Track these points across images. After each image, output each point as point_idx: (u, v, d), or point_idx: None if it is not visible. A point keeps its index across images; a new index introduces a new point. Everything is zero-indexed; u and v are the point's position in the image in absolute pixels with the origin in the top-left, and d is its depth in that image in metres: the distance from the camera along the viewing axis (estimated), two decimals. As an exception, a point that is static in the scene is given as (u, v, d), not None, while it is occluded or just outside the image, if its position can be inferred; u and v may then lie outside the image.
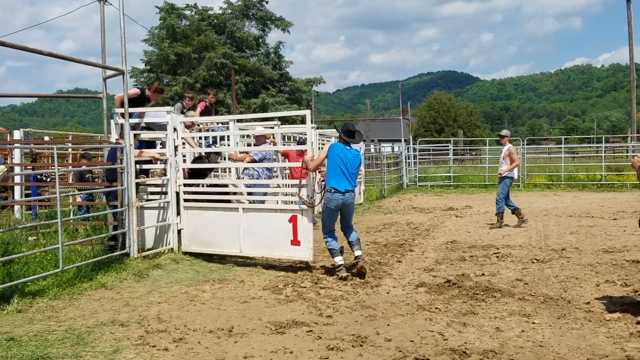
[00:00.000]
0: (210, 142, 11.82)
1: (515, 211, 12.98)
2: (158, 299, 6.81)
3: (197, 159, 9.86)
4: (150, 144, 10.13)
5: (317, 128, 17.38)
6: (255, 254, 8.78)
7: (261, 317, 6.00)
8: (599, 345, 4.90)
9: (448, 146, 27.91)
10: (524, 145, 25.49)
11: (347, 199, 7.99)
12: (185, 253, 9.10)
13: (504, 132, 13.72)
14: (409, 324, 5.66)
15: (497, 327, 5.46)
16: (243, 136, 12.16)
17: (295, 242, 8.32)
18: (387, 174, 23.97)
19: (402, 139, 29.02)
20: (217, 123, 12.84)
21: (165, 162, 9.19)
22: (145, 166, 9.39)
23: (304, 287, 7.24)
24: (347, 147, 8.04)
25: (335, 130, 19.71)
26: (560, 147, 29.95)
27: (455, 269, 8.24)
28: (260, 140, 10.80)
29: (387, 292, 7.01)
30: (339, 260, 7.88)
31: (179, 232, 9.24)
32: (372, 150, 35.51)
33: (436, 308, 6.20)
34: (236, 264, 8.79)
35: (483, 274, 7.87)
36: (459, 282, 7.29)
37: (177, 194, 9.22)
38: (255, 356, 4.80)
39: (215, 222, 8.95)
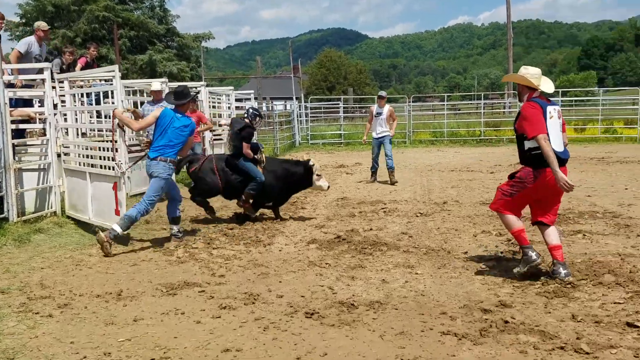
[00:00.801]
0: (93, 100, 11.31)
1: (374, 170, 13.48)
2: (41, 264, 6.59)
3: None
4: (29, 103, 9.61)
5: (208, 85, 17.08)
6: (97, 222, 8.20)
7: (151, 279, 5.96)
8: (475, 292, 5.28)
9: (339, 104, 28.31)
10: (410, 102, 26.30)
11: (148, 167, 7.40)
12: (70, 217, 8.79)
13: (383, 93, 14.03)
14: (300, 280, 5.83)
15: (383, 279, 5.73)
16: (129, 93, 11.74)
17: (116, 211, 7.70)
18: (280, 133, 24.04)
19: (294, 97, 29.10)
20: (100, 80, 12.28)
21: (44, 121, 8.74)
22: (22, 126, 8.88)
23: (196, 248, 7.23)
24: (179, 115, 7.42)
25: (225, 88, 19.39)
26: (444, 104, 31.12)
27: (345, 225, 8.50)
28: (158, 96, 10.50)
29: (280, 250, 7.15)
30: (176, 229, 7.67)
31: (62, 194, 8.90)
32: (264, 108, 35.36)
33: (326, 263, 6.40)
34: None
35: (371, 229, 8.18)
36: (349, 238, 7.55)
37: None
38: (145, 318, 4.79)
39: (78, 186, 8.63)
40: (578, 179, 13.03)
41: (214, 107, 16.30)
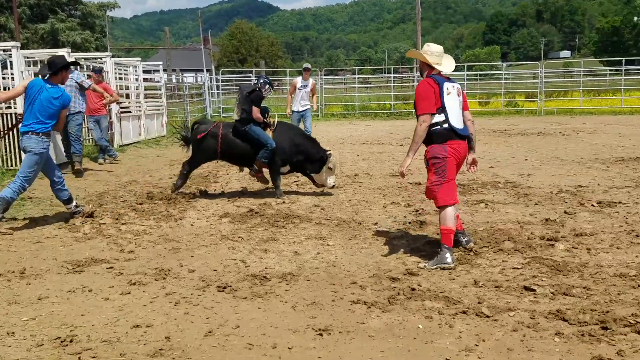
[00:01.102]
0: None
1: None
2: (-64, 246, 6.22)
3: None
4: None
5: (114, 56, 16.48)
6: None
7: (57, 256, 5.76)
8: (384, 262, 5.43)
9: (251, 77, 28.03)
10: (322, 76, 26.40)
11: (21, 142, 6.99)
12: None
13: (308, 65, 13.97)
14: (213, 254, 5.79)
15: (296, 251, 5.79)
16: (29, 64, 11.16)
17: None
18: (191, 105, 23.57)
19: (205, 69, 28.56)
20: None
21: None
22: None
23: (104, 224, 7.03)
24: (49, 85, 6.87)
25: (132, 59, 18.74)
26: (355, 78, 31.45)
27: (258, 199, 8.49)
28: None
29: (191, 224, 7.06)
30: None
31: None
32: (174, 80, 34.51)
33: (239, 237, 6.39)
34: (31, 201, 8.22)
35: (284, 202, 8.22)
36: (261, 211, 7.55)
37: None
38: (50, 297, 4.63)
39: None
40: (482, 151, 13.57)
41: (120, 78, 15.77)
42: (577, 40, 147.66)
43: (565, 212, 7.09)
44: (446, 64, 5.58)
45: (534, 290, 4.51)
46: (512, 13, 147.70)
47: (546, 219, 6.77)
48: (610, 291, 4.41)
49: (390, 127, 20.94)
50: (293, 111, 13.28)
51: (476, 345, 3.57)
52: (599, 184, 8.85)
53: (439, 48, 5.59)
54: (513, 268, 5.11)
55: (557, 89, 28.94)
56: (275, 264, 5.39)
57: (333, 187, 8.82)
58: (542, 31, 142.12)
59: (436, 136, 5.37)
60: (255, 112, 8.49)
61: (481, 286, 4.67)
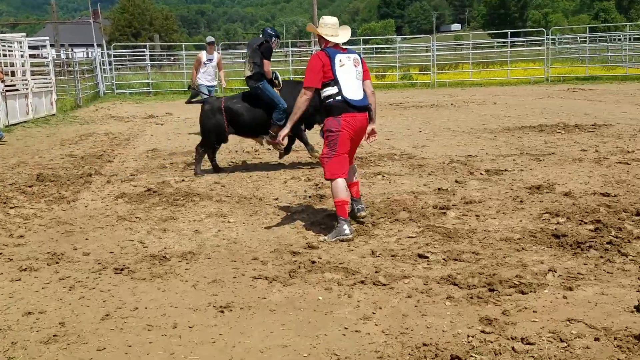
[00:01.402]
0: None
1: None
2: None
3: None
4: None
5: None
6: None
7: (-61, 246, 5.42)
8: (285, 236, 5.48)
9: (145, 52, 27.16)
10: (219, 50, 25.95)
11: None
12: None
13: (212, 38, 13.63)
14: (109, 236, 5.64)
15: (196, 230, 5.74)
16: None
17: None
18: (82, 82, 22.56)
19: (95, 44, 27.37)
20: None
21: None
22: None
23: (-10, 210, 6.66)
24: None
25: (17, 35, 17.69)
26: (254, 52, 31.14)
27: (156, 177, 8.32)
28: None
29: (85, 206, 6.82)
30: None
31: None
32: (63, 56, 32.86)
33: (137, 217, 6.25)
34: None
35: (183, 180, 8.09)
36: (160, 190, 7.40)
37: None
38: None
39: None
40: (379, 124, 13.87)
41: (4, 55, 14.88)
42: (466, 13, 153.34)
43: (456, 182, 7.41)
44: (341, 35, 5.61)
45: (427, 257, 4.70)
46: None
47: (439, 189, 7.05)
48: (496, 255, 4.68)
49: (289, 101, 20.99)
50: (202, 85, 12.86)
51: (373, 313, 3.70)
52: (487, 153, 9.30)
53: (332, 20, 5.62)
54: (408, 237, 5.30)
55: (448, 62, 29.96)
56: (174, 244, 5.32)
57: None
58: (434, 4, 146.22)
59: (330, 109, 5.40)
60: (267, 65, 8.20)
61: (378, 256, 4.82)
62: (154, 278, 4.46)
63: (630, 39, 30.31)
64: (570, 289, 3.90)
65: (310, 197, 6.96)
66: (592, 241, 4.77)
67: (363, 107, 5.46)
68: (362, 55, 5.85)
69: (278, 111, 8.28)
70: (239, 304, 3.90)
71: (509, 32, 28.92)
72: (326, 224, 5.76)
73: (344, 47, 5.66)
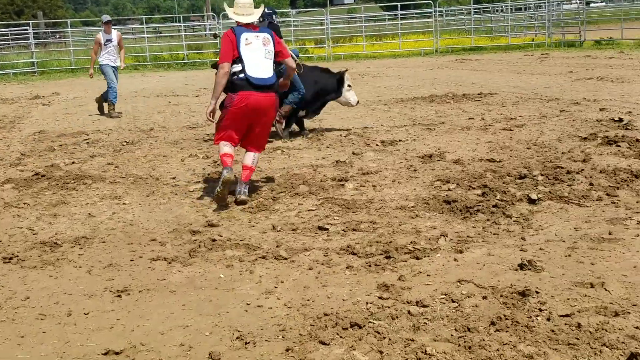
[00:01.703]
0: None
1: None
2: None
3: None
4: None
5: None
6: None
7: None
8: (184, 215, 5.40)
9: (27, 29, 25.65)
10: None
11: None
12: None
13: (107, 17, 13.02)
14: (-5, 225, 5.34)
15: (89, 213, 5.54)
16: None
17: None
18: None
19: (-30, 20, 25.49)
20: None
21: None
22: None
23: None
24: None
25: None
26: (144, 27, 30.13)
27: (44, 161, 7.94)
28: None
29: (-34, 195, 6.41)
30: None
31: None
32: None
33: (25, 203, 5.94)
34: None
35: (73, 162, 7.76)
36: (48, 174, 7.06)
37: None
38: None
39: None
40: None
41: None
42: None
43: (354, 153, 7.55)
44: (251, 15, 5.72)
45: (327, 229, 4.79)
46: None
47: (337, 161, 7.17)
48: (392, 223, 4.84)
49: (185, 77, 20.50)
50: (107, 65, 12.28)
51: (275, 287, 3.74)
52: (382, 125, 9.52)
53: (245, 0, 5.69)
54: (308, 210, 5.37)
55: (342, 35, 30.32)
56: (66, 229, 5.12)
57: (357, 102, 9.25)
58: None
59: (232, 85, 5.56)
60: (284, 46, 7.94)
61: (279, 230, 4.86)
62: (45, 265, 4.27)
63: (511, 9, 31.76)
64: (461, 251, 4.10)
65: (209, 174, 6.88)
66: (480, 205, 5.02)
67: (265, 87, 5.55)
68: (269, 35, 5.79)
69: (295, 94, 8.40)
70: (137, 287, 3.82)
71: (399, 5, 29.55)
72: (226, 201, 5.72)
73: (256, 25, 5.81)
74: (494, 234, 4.43)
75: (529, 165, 6.27)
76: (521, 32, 30.60)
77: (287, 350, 2.92)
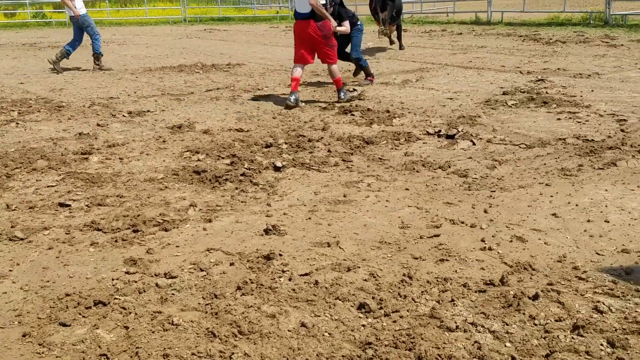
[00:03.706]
0: None
1: None
2: None
3: None
4: None
5: None
6: None
7: None
8: None
9: None
10: None
11: None
12: None
13: None
14: None
15: None
16: None
17: None
18: None
19: None
20: None
21: None
22: None
23: None
24: None
25: None
26: None
27: None
28: None
29: None
30: None
31: None
32: None
33: None
34: None
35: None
36: None
37: None
38: None
39: None
40: (11, 67, 12.62)
41: None
42: None
43: (98, 125, 7.20)
44: None
45: (69, 205, 4.53)
46: None
47: (80, 133, 6.77)
48: (141, 196, 4.73)
49: None
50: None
51: (10, 270, 3.45)
52: (129, 95, 9.19)
53: None
54: (48, 186, 5.01)
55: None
56: None
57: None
58: None
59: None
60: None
61: (14, 209, 4.47)
62: None
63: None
64: (210, 220, 4.17)
65: None
66: (229, 174, 5.13)
67: (302, 15, 7.83)
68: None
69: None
70: None
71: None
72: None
73: None
74: (242, 202, 4.57)
75: (275, 134, 6.55)
76: (267, 4, 31.51)
77: (24, 335, 2.74)
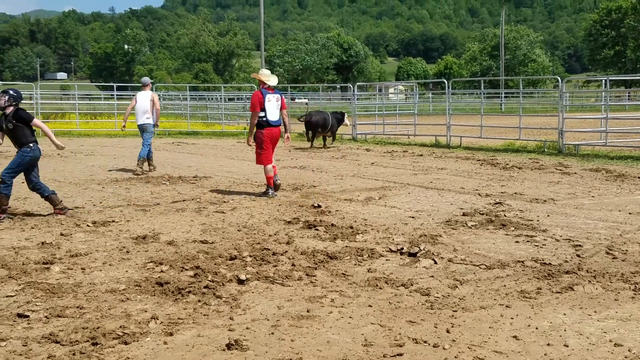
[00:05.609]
0: None
1: None
2: None
3: None
4: None
5: None
6: None
7: None
8: None
9: None
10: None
11: None
12: None
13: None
14: None
15: None
16: None
17: None
18: None
19: None
20: None
21: None
22: None
23: None
24: None
25: None
26: None
27: None
28: None
29: None
30: None
31: None
32: None
33: None
34: None
35: None
36: None
37: None
38: None
39: None
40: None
41: None
42: (72, 63, 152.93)
43: (62, 234, 7.17)
44: (272, 80, 10.11)
45: (28, 316, 4.45)
46: (4, 31, 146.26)
47: (42, 243, 6.73)
48: (101, 307, 4.68)
49: None
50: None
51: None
52: (94, 205, 9.21)
53: (267, 71, 10.30)
54: (7, 296, 4.94)
55: (54, 111, 29.08)
56: None
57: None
58: (37, 51, 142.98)
59: (260, 124, 9.90)
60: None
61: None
62: None
63: (225, 99, 33.58)
64: (171, 334, 4.13)
65: None
66: (192, 286, 5.13)
67: (277, 124, 10.01)
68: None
69: None
70: None
71: (115, 86, 29.28)
72: None
73: (272, 88, 9.97)
74: (204, 315, 4.55)
75: (239, 246, 6.61)
76: (234, 120, 32.39)
77: None
